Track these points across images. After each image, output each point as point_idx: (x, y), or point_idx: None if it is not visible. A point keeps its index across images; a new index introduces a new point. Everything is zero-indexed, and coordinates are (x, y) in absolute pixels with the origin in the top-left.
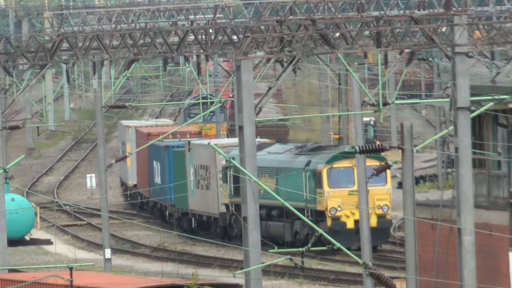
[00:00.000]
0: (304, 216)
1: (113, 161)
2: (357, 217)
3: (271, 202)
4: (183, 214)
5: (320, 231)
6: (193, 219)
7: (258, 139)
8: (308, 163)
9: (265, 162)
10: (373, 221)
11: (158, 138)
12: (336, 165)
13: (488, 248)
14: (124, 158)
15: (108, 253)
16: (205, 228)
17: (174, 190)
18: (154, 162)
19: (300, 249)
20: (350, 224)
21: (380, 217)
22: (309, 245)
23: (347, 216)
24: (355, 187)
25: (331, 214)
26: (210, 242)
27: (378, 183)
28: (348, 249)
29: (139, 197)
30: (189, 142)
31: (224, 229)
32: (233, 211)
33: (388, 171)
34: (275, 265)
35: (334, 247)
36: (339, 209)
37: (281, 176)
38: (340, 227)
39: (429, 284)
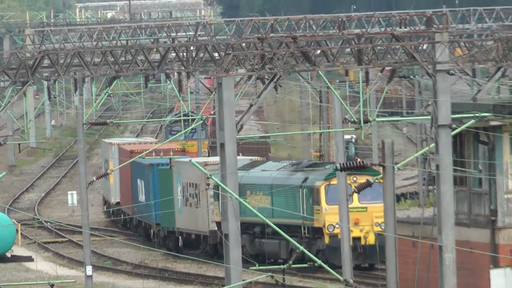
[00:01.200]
0: (302, 233)
1: (94, 178)
2: (355, 234)
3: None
4: (169, 232)
5: (301, 248)
6: (180, 237)
7: (249, 157)
8: (305, 180)
9: (260, 179)
10: (371, 239)
11: (141, 155)
12: (334, 182)
13: (469, 265)
14: (105, 175)
15: (89, 270)
16: (193, 247)
17: (159, 208)
18: (138, 180)
19: (281, 266)
20: None
21: (379, 235)
22: (290, 262)
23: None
24: (354, 204)
25: (329, 231)
26: (191, 259)
27: (376, 200)
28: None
29: (122, 215)
30: (170, 159)
31: (214, 247)
32: None
33: None
34: (256, 283)
35: (315, 264)
36: (337, 226)
37: (276, 193)
38: (338, 244)
39: None
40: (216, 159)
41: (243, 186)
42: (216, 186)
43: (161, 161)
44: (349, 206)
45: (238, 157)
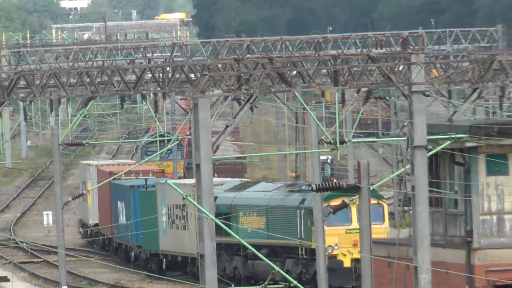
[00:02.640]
0: (299, 254)
1: (70, 199)
2: (354, 256)
3: (259, 240)
4: (151, 255)
5: (277, 268)
6: (164, 259)
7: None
8: (303, 201)
9: (253, 200)
10: None
11: (119, 174)
12: (333, 203)
13: (444, 286)
14: (80, 195)
15: None
16: (179, 269)
17: (141, 231)
18: (119, 202)
19: (256, 287)
20: (347, 263)
21: None
22: (266, 283)
23: (344, 255)
24: (353, 225)
25: (328, 252)
26: (166, 279)
27: (375, 222)
28: None
29: (100, 238)
30: (146, 180)
31: None
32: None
33: (386, 209)
34: None
35: (291, 285)
36: (335, 247)
37: (271, 214)
38: (337, 266)
39: None
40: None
41: (236, 207)
42: None
43: (142, 183)
44: (348, 227)
45: (229, 179)
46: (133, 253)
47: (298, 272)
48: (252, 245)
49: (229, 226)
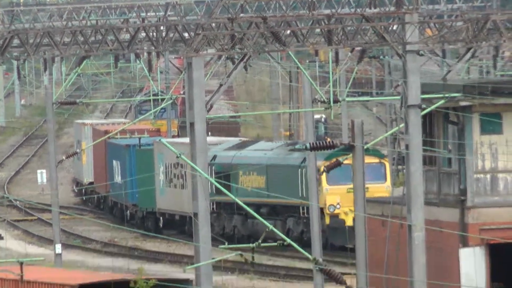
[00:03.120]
0: (300, 213)
1: (63, 157)
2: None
3: (260, 200)
4: (148, 213)
5: (271, 227)
6: (161, 218)
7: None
8: (304, 160)
9: (253, 159)
10: None
11: (113, 133)
12: None
13: (438, 245)
14: (74, 154)
15: (58, 248)
16: (176, 227)
17: (137, 189)
18: (114, 161)
19: (250, 245)
20: (349, 222)
21: None
22: (260, 241)
23: (346, 214)
24: None
25: (329, 211)
26: (160, 237)
27: (377, 181)
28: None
29: (95, 197)
30: (139, 138)
31: None
32: (215, 209)
33: (387, 168)
34: (226, 261)
35: (285, 243)
36: (337, 206)
37: (272, 173)
38: (339, 225)
39: (380, 280)
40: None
41: (235, 166)
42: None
43: (137, 142)
44: (350, 186)
45: (228, 138)
46: (128, 212)
47: (299, 231)
48: (252, 204)
49: (228, 185)
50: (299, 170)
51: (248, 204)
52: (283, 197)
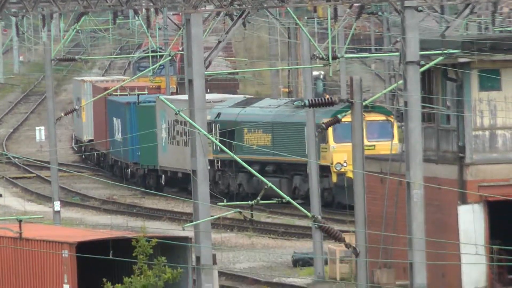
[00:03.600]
0: (306, 171)
1: (62, 114)
2: None
3: (265, 158)
4: (149, 170)
5: (269, 184)
6: (163, 175)
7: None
8: None
9: (258, 116)
10: None
11: (112, 89)
12: (345, 119)
13: (437, 202)
14: (73, 111)
15: (57, 205)
16: (179, 185)
17: (139, 148)
18: (114, 119)
19: (249, 202)
20: None
21: None
22: (258, 198)
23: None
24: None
25: (336, 169)
26: (159, 195)
27: (384, 138)
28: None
29: (95, 154)
30: (138, 96)
31: None
32: (219, 167)
33: (395, 125)
34: (224, 218)
35: (284, 200)
36: (344, 164)
37: (278, 131)
38: (346, 183)
39: (378, 238)
40: (209, 96)
41: (240, 123)
42: (209, 124)
43: (141, 99)
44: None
45: (231, 95)
46: (129, 170)
47: (306, 189)
48: (258, 162)
49: (232, 143)
50: (305, 127)
51: (253, 162)
52: (289, 155)
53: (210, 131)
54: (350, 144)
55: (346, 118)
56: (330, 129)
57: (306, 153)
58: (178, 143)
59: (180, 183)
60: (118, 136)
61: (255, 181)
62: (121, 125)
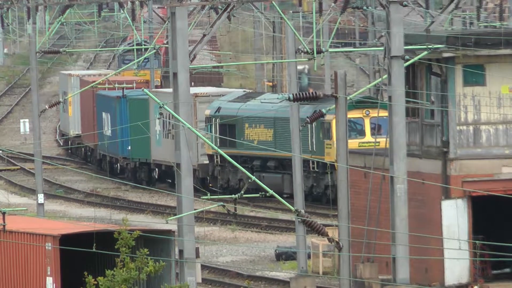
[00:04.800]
0: (310, 167)
1: (46, 107)
2: None
3: (267, 153)
4: (141, 164)
5: (253, 178)
6: (156, 169)
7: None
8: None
9: (260, 111)
10: None
11: (95, 83)
12: (350, 115)
13: (420, 196)
14: (58, 103)
15: (41, 198)
16: (172, 179)
17: (129, 142)
18: (103, 114)
19: (233, 196)
20: None
21: None
22: (242, 192)
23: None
24: (366, 139)
25: None
26: (142, 188)
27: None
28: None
29: (82, 149)
30: (123, 89)
31: (202, 181)
32: (219, 162)
33: None
34: (208, 212)
35: (267, 194)
36: None
37: (280, 126)
38: None
39: (361, 232)
40: (208, 90)
41: (241, 118)
42: (208, 119)
43: (128, 93)
44: (361, 140)
45: (230, 89)
46: (118, 165)
47: (309, 186)
48: (259, 157)
49: (234, 138)
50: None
51: (254, 157)
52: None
53: (209, 126)
54: (355, 140)
55: (351, 114)
56: (334, 125)
57: (310, 149)
58: (173, 137)
59: (173, 177)
60: (107, 131)
61: (256, 176)
62: (110, 120)
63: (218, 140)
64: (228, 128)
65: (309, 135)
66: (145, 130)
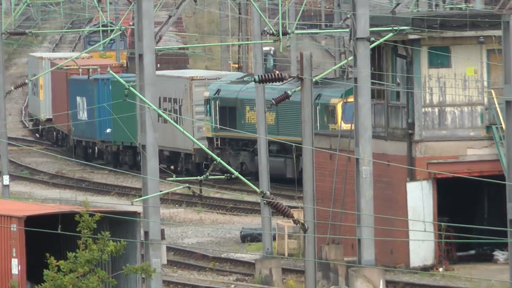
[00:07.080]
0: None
1: (12, 88)
2: None
3: (269, 137)
4: (124, 148)
5: (218, 159)
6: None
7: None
8: (319, 96)
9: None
10: None
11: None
12: (351, 99)
13: (385, 178)
14: (23, 84)
15: (6, 179)
16: (163, 163)
17: (111, 125)
18: (78, 98)
19: (198, 177)
20: None
21: None
22: (207, 173)
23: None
24: (338, 126)
25: None
26: (108, 169)
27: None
28: None
29: (54, 133)
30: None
31: (197, 165)
32: (219, 145)
33: None
34: (174, 194)
35: (232, 176)
36: None
37: (283, 110)
38: None
39: (327, 214)
40: (204, 73)
41: (242, 101)
42: (207, 101)
43: (104, 77)
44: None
45: (229, 72)
46: (96, 148)
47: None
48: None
49: (234, 121)
50: (313, 106)
51: (255, 141)
52: (295, 134)
53: (207, 108)
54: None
55: (351, 99)
56: (339, 110)
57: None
58: (166, 120)
59: (166, 162)
60: (82, 115)
61: (256, 160)
62: (86, 104)
63: (218, 122)
64: (229, 111)
65: (313, 119)
66: (128, 112)
